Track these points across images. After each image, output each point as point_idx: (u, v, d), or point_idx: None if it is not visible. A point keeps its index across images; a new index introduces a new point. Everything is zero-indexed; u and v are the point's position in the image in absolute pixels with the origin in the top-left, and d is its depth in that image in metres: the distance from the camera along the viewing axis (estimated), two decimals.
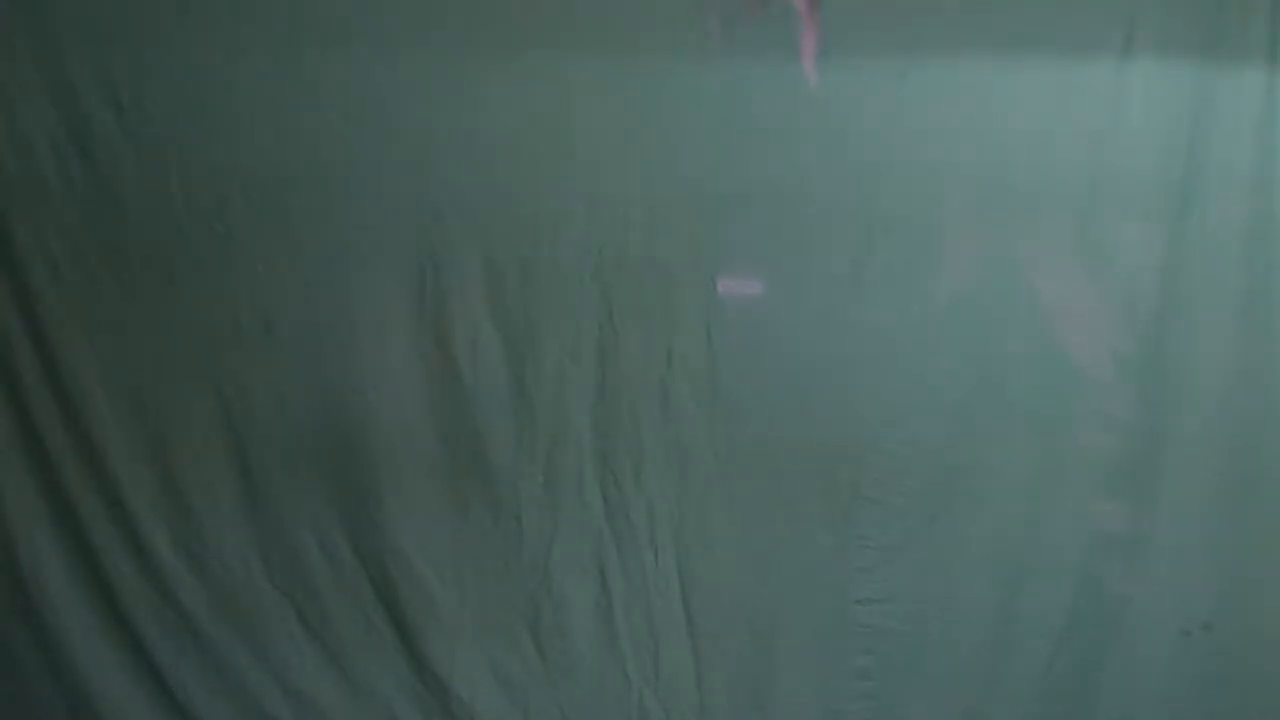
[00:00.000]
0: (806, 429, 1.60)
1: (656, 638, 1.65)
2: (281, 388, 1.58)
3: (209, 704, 1.64)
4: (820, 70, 1.50)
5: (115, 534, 1.61)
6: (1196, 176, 1.52)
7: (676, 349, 1.56)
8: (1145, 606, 1.57)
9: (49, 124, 1.53)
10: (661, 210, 1.53)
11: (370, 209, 1.54)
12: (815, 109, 1.50)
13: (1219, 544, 1.56)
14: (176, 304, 1.57)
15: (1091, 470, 1.57)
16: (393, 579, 1.61)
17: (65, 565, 1.62)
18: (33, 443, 1.60)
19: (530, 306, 1.55)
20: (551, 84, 1.51)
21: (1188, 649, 1.58)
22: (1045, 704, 1.58)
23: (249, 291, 1.56)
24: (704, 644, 1.66)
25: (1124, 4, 1.49)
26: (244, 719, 1.64)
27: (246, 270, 1.56)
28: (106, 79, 1.52)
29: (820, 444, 1.60)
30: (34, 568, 1.60)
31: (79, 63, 1.51)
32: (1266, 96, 1.51)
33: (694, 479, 1.61)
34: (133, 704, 1.63)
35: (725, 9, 1.51)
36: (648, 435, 1.59)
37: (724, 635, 1.66)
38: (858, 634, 1.62)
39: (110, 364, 1.58)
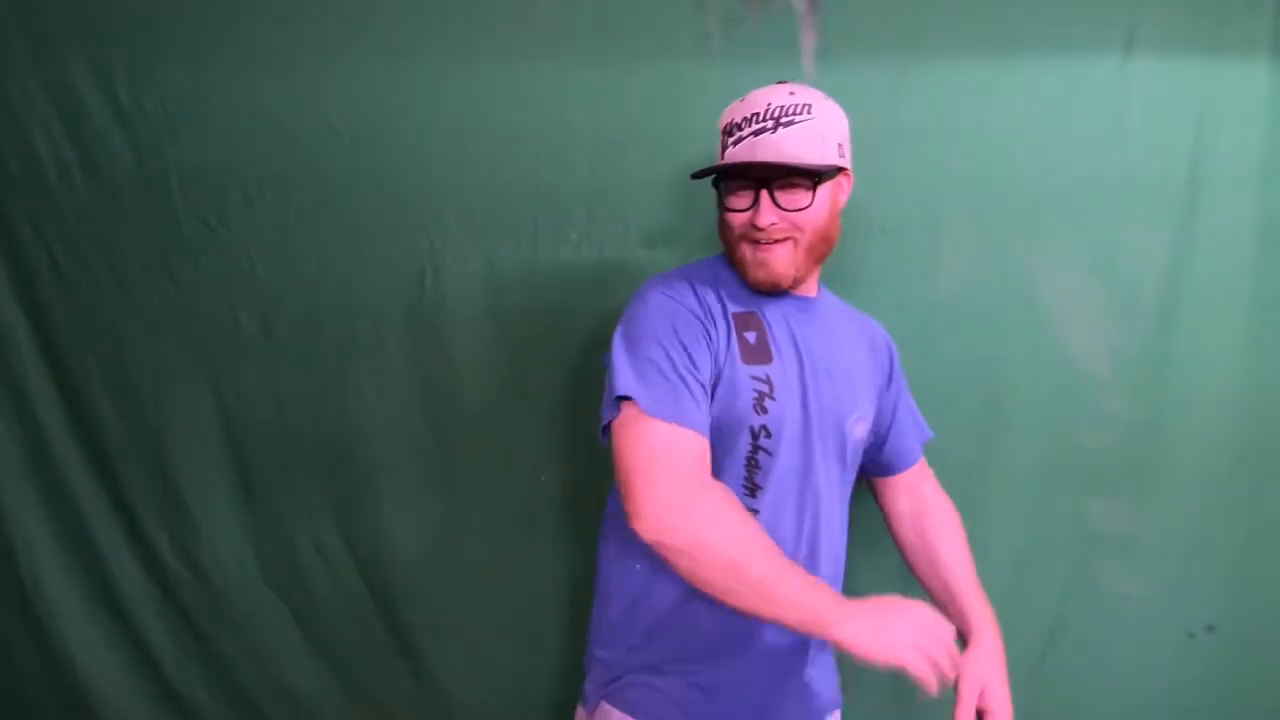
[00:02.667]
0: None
1: None
2: (280, 388, 1.58)
3: (209, 702, 1.64)
4: (820, 70, 1.50)
5: (113, 533, 1.62)
6: (1200, 176, 1.51)
7: None
8: (1148, 607, 1.56)
9: (49, 124, 1.54)
10: (662, 210, 1.53)
11: (370, 209, 1.54)
12: None
13: (1222, 544, 1.55)
14: (176, 304, 1.57)
15: (1092, 470, 1.55)
16: (390, 579, 1.61)
17: (63, 563, 1.62)
18: (32, 441, 1.61)
19: (530, 306, 1.55)
20: (551, 84, 1.51)
21: (1191, 650, 1.57)
22: (1036, 702, 1.56)
23: (249, 291, 1.57)
24: None
25: (1125, 2, 1.49)
26: (242, 718, 1.64)
27: (246, 270, 1.56)
28: (106, 79, 1.52)
29: None
30: (32, 566, 1.61)
31: (79, 63, 1.52)
32: (1271, 94, 1.50)
33: None
34: (131, 702, 1.64)
35: (725, 9, 1.51)
36: None
37: None
38: None
39: (110, 364, 1.59)
